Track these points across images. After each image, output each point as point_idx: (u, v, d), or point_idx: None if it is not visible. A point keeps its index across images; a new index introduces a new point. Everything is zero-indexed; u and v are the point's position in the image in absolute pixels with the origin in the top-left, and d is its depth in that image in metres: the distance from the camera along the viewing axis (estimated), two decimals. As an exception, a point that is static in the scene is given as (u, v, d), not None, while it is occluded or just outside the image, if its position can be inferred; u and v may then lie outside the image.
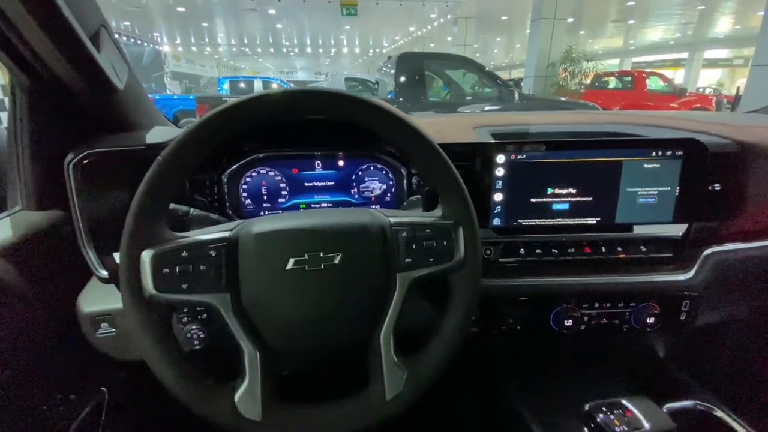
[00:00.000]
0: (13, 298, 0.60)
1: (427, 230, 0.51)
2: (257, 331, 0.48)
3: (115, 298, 0.64)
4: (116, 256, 0.64)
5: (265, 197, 0.81)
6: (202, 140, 0.46)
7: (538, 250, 0.76)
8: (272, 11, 12.90)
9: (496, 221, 0.76)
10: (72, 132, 0.65)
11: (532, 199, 0.75)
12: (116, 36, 0.71)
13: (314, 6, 11.08)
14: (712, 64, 20.58)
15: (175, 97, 9.89)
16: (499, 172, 0.74)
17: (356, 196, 0.84)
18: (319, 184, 0.82)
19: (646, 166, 0.74)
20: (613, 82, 9.23)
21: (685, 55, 20.03)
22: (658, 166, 0.74)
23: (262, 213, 0.81)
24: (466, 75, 5.40)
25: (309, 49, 24.38)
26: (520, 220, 0.76)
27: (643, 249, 0.77)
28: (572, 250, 0.76)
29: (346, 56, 27.58)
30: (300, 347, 0.52)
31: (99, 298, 0.66)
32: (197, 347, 0.65)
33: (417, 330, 0.54)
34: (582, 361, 0.90)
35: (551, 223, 0.76)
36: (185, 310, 0.64)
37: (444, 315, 0.53)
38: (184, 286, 0.45)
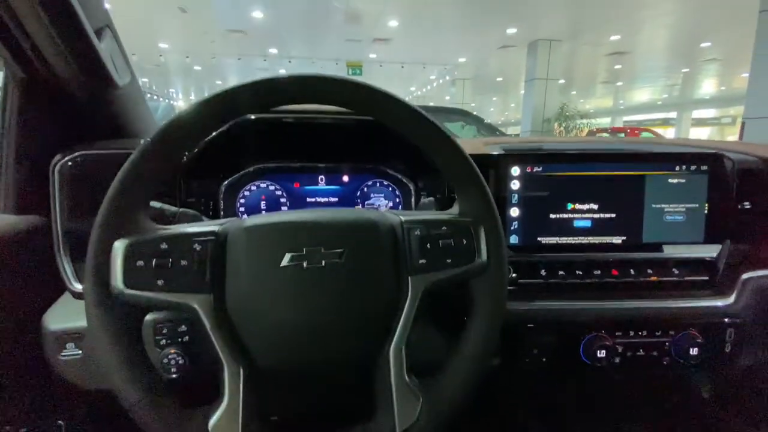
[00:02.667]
0: None
1: (444, 228, 0.45)
2: (242, 342, 0.40)
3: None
4: None
5: (263, 212, 0.76)
6: (197, 121, 0.42)
7: (561, 272, 0.69)
8: (282, 71, 13.71)
9: (513, 239, 0.70)
10: (63, 133, 0.62)
11: (552, 215, 0.70)
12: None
13: (323, 66, 11.80)
14: (701, 122, 21.33)
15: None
16: (515, 185, 0.69)
17: (361, 213, 0.78)
18: (322, 199, 0.78)
19: (670, 180, 0.69)
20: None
21: (673, 114, 20.97)
22: (684, 181, 0.70)
23: None
24: (465, 127, 5.61)
25: (315, 105, 25.64)
26: (539, 238, 0.70)
27: (676, 271, 0.70)
28: (598, 272, 0.69)
29: (350, 113, 28.94)
30: (291, 363, 0.44)
31: (68, 315, 0.58)
32: (174, 376, 0.55)
33: (433, 351, 0.46)
34: (615, 405, 0.79)
35: (573, 241, 0.70)
36: (164, 331, 0.56)
37: (466, 329, 0.45)
38: (160, 282, 0.39)
